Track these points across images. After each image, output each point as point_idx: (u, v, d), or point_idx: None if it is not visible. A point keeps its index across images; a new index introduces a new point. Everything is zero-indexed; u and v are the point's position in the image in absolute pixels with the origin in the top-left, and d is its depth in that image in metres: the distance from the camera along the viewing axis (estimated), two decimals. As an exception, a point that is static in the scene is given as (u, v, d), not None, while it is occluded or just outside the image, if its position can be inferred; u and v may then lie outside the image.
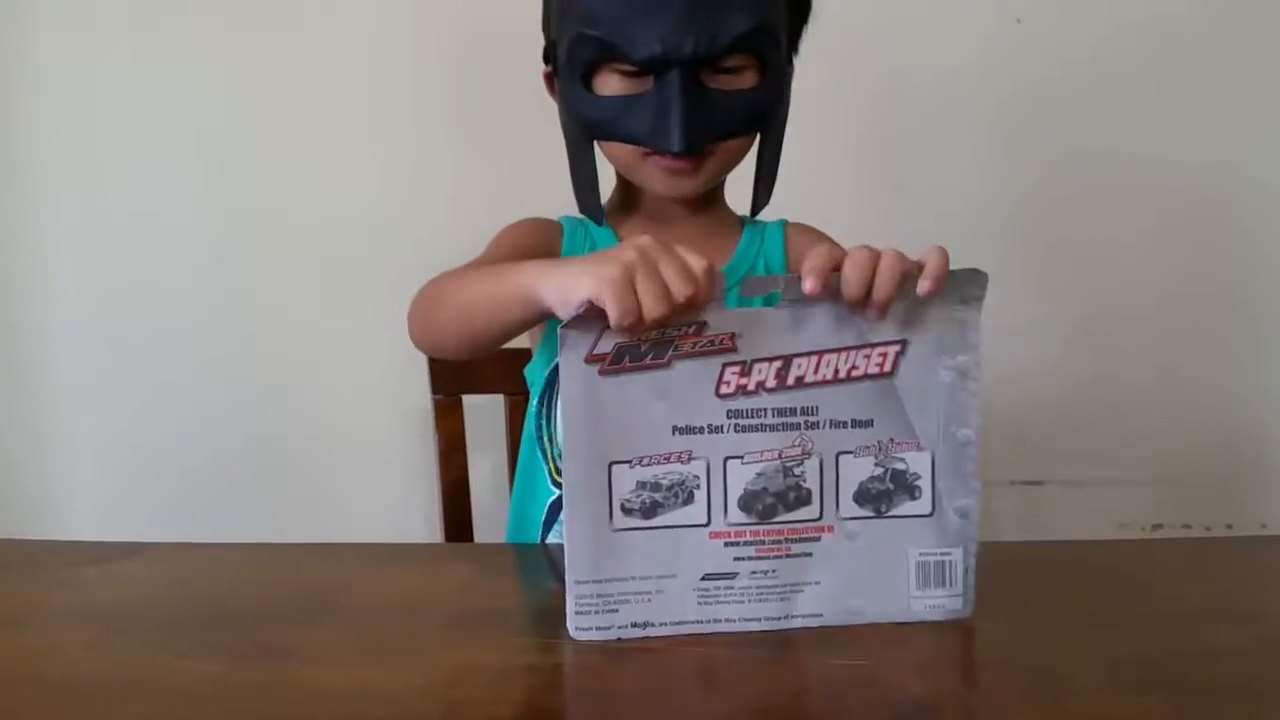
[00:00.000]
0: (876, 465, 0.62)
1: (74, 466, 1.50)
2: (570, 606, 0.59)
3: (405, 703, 0.54)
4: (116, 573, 0.74)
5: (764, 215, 0.97)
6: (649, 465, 0.59)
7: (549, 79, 0.93)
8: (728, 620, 0.61)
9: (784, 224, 0.98)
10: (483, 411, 1.21)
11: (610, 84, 0.85)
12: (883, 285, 0.59)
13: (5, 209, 1.46)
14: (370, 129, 1.42)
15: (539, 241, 0.94)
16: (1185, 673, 0.56)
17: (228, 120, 1.43)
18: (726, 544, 0.61)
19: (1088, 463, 1.44)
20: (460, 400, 1.15)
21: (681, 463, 0.60)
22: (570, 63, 0.85)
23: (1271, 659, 0.58)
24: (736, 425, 0.60)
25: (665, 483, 0.60)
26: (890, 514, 0.62)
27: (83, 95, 1.43)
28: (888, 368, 0.61)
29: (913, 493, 0.62)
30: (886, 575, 0.62)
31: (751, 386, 0.60)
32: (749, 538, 0.61)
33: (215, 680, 0.56)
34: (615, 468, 0.59)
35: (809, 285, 0.58)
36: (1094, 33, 1.38)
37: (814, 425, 0.61)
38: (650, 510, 0.60)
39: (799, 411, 0.60)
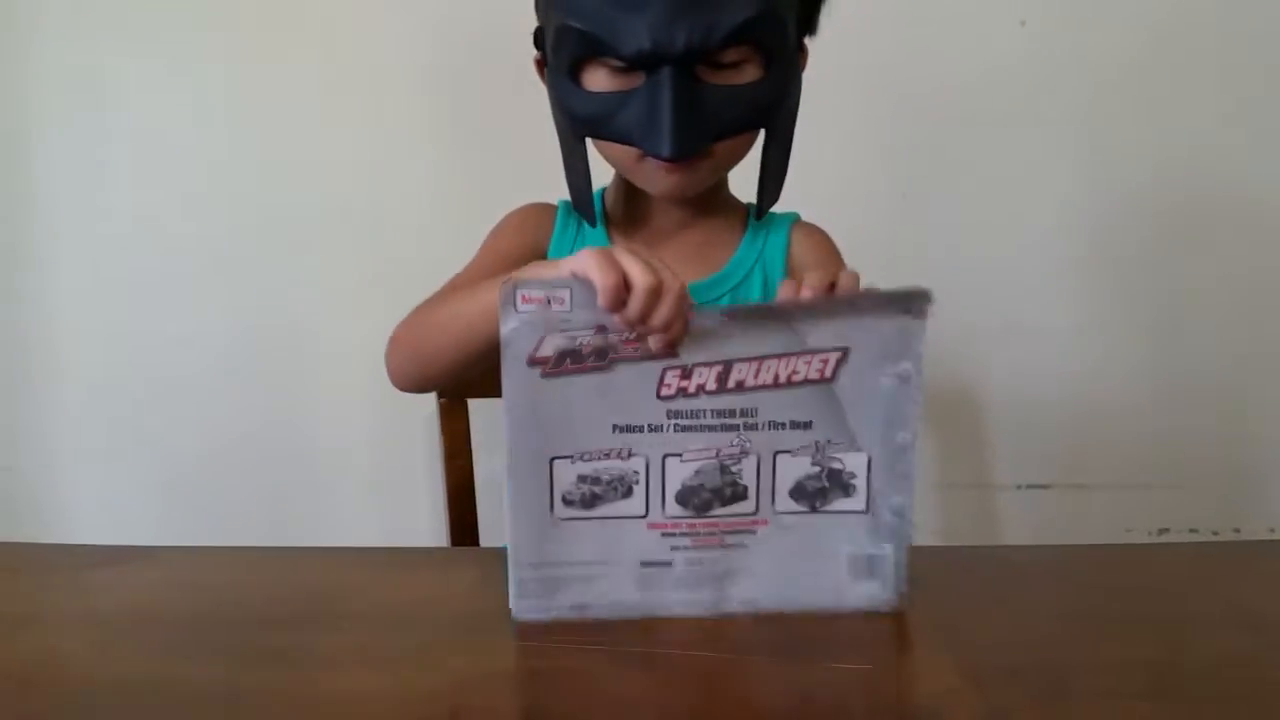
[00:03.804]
0: (814, 464, 0.64)
1: (79, 471, 1.50)
2: (513, 589, 0.62)
3: (410, 707, 0.54)
4: (123, 577, 0.74)
5: (777, 206, 0.91)
6: (589, 460, 0.62)
7: (539, 65, 0.87)
8: (663, 605, 0.63)
9: (791, 225, 0.93)
10: (487, 414, 1.20)
11: (599, 79, 0.79)
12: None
13: (9, 211, 1.46)
14: (373, 131, 1.42)
15: (524, 242, 0.92)
16: (1192, 678, 0.56)
17: (229, 123, 1.44)
18: (664, 535, 0.63)
19: (1094, 466, 1.44)
20: (465, 403, 1.15)
21: (621, 459, 0.62)
22: (556, 55, 0.80)
23: (1278, 664, 0.58)
24: (676, 425, 0.62)
25: (605, 477, 0.62)
26: (825, 509, 0.64)
27: (84, 98, 1.44)
28: (828, 374, 0.62)
29: (847, 490, 0.64)
30: (819, 566, 0.64)
31: (692, 389, 0.61)
32: (685, 529, 0.63)
33: (221, 684, 0.56)
34: (557, 463, 0.61)
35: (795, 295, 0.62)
36: (1097, 34, 1.37)
37: (753, 426, 0.62)
38: (590, 502, 0.62)
39: (738, 413, 0.62)
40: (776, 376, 0.62)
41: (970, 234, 1.41)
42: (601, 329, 0.60)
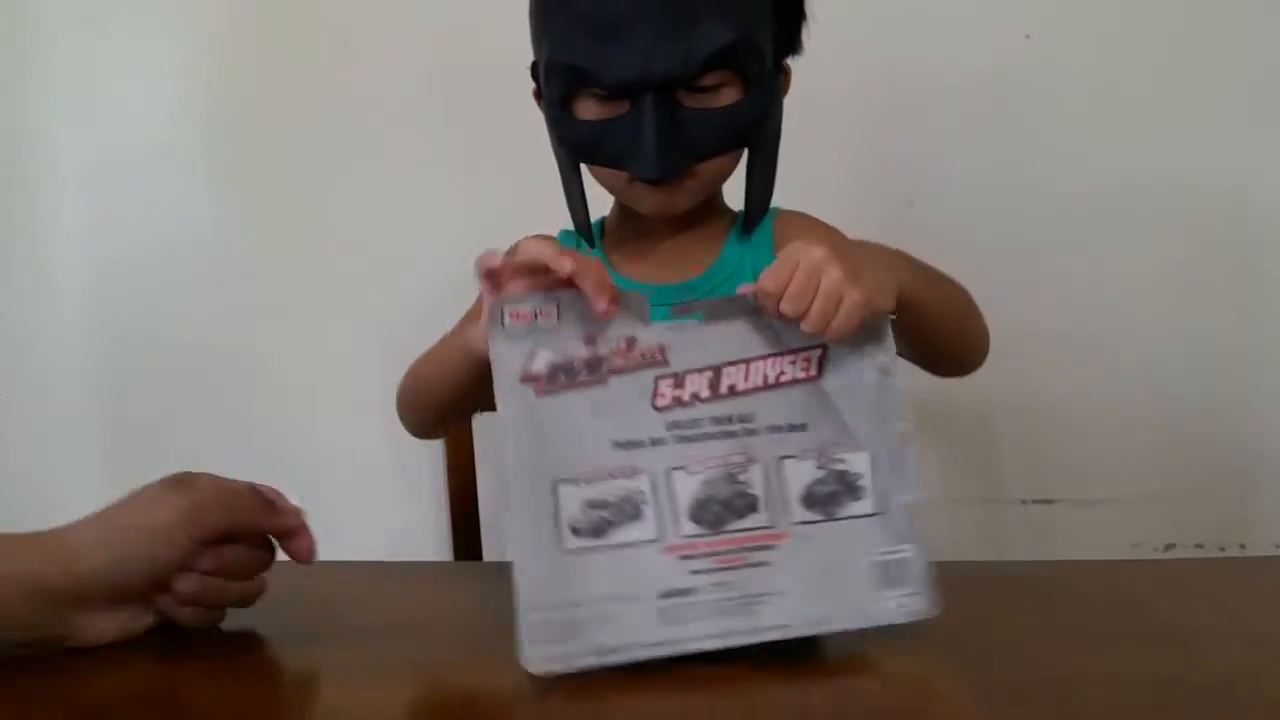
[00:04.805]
0: (819, 468, 0.62)
1: (77, 474, 1.50)
2: (523, 635, 0.56)
3: (413, 721, 0.54)
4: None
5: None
6: (594, 483, 0.59)
7: (537, 95, 0.92)
8: (692, 639, 0.58)
9: (773, 218, 0.96)
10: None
11: (589, 108, 0.84)
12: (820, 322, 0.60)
13: (8, 208, 1.47)
14: (379, 133, 1.43)
15: None
16: (1199, 693, 0.56)
17: (230, 122, 1.44)
18: (681, 558, 0.59)
19: (1099, 482, 1.43)
20: (469, 417, 1.16)
21: (626, 477, 0.59)
22: (549, 87, 0.85)
23: (1287, 680, 0.58)
24: (676, 436, 0.61)
25: (612, 499, 0.59)
26: (840, 516, 0.61)
27: (85, 93, 1.45)
28: (813, 371, 0.62)
29: (856, 493, 0.62)
30: (845, 579, 0.61)
31: (686, 398, 0.61)
32: (704, 549, 0.59)
33: (222, 698, 0.56)
34: (562, 487, 0.59)
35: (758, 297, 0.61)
36: (1102, 47, 1.38)
37: (752, 432, 0.61)
38: (600, 529, 0.59)
39: (736, 419, 0.61)
40: (766, 378, 0.62)
41: (975, 244, 1.41)
42: (591, 339, 0.60)
